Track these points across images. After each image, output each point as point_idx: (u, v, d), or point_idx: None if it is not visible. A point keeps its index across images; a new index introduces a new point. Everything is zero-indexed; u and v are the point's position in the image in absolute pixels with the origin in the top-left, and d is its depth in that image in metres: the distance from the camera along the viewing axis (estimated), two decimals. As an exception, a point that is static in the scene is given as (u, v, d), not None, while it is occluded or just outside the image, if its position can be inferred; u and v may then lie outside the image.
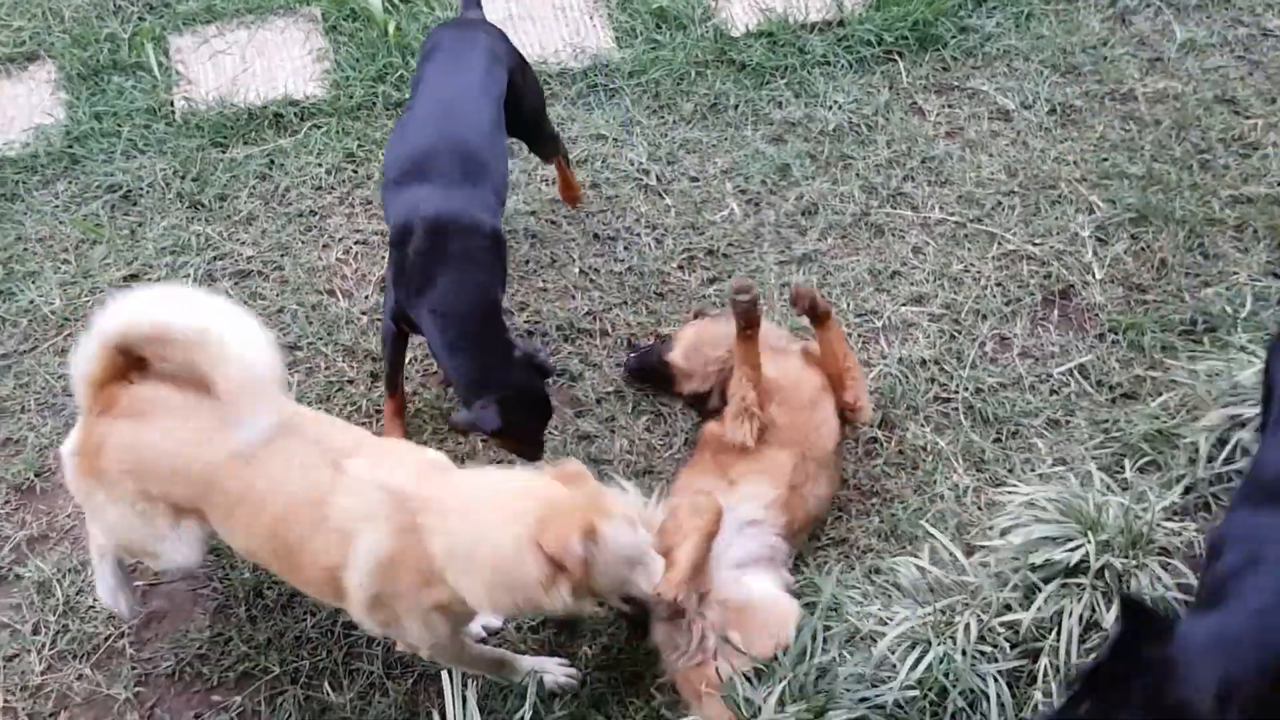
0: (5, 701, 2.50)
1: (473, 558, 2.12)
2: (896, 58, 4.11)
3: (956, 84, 4.01)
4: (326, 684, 2.52)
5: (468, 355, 2.69)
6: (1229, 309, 3.24)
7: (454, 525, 2.14)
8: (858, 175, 3.78)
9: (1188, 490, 2.75)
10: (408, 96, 3.98)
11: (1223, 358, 3.04)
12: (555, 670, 2.54)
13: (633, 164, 3.90)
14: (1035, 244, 3.51)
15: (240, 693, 2.52)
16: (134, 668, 2.57)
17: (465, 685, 2.19)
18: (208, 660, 2.57)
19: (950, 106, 3.96)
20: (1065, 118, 3.87)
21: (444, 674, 2.22)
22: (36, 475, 2.96)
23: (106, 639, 2.63)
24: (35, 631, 2.64)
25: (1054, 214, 3.59)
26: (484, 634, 2.63)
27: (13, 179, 3.75)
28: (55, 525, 2.87)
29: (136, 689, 2.53)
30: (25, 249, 3.55)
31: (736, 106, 4.04)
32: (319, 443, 2.29)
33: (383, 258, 3.57)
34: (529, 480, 2.24)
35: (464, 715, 2.22)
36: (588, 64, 4.22)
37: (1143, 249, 3.46)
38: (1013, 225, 3.57)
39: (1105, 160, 3.72)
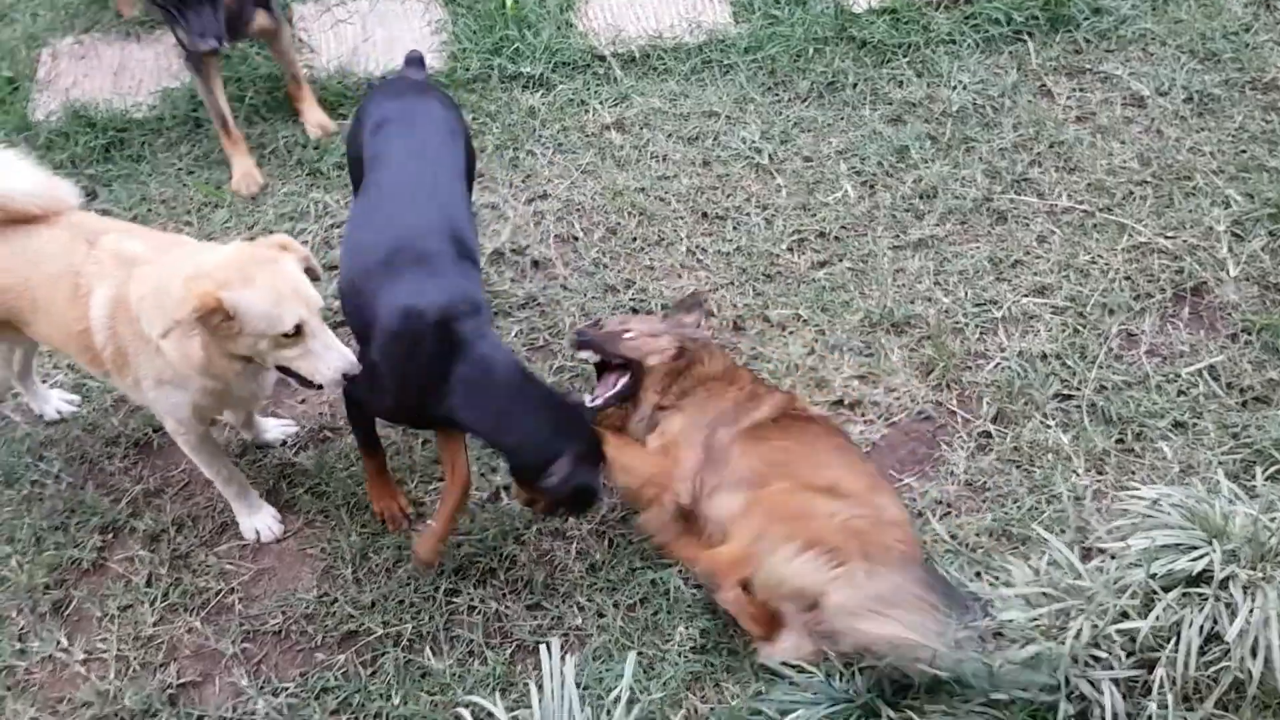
0: (118, 650, 2.58)
1: (151, 299, 2.39)
2: (1026, 38, 3.96)
3: (1089, 67, 3.85)
4: (427, 648, 2.54)
5: (529, 417, 2.50)
6: (1379, 313, 3.04)
7: (150, 275, 2.43)
8: (980, 159, 3.66)
9: (1325, 503, 2.60)
10: (524, 70, 4.02)
11: (1370, 365, 2.87)
12: (269, 520, 2.82)
13: (745, 142, 3.84)
14: (1167, 237, 3.35)
15: (343, 652, 2.56)
16: (242, 624, 2.63)
17: (564, 659, 2.18)
18: (313, 619, 2.62)
19: (1081, 90, 3.81)
20: (1202, 106, 3.68)
21: (542, 648, 2.22)
22: (155, 431, 3.05)
23: (217, 594, 2.70)
24: (148, 584, 2.72)
25: (1188, 206, 3.42)
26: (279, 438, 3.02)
27: (139, 140, 3.87)
28: (170, 480, 2.95)
29: (244, 644, 2.59)
30: (149, 209, 3.65)
31: (855, 85, 3.95)
32: (83, 227, 2.60)
33: (494, 229, 3.59)
34: (236, 246, 2.45)
35: (561, 689, 2.21)
36: (703, 39, 4.17)
37: (1282, 247, 3.28)
38: (1144, 216, 3.42)
39: (1244, 152, 3.53)
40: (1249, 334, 3.09)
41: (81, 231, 2.58)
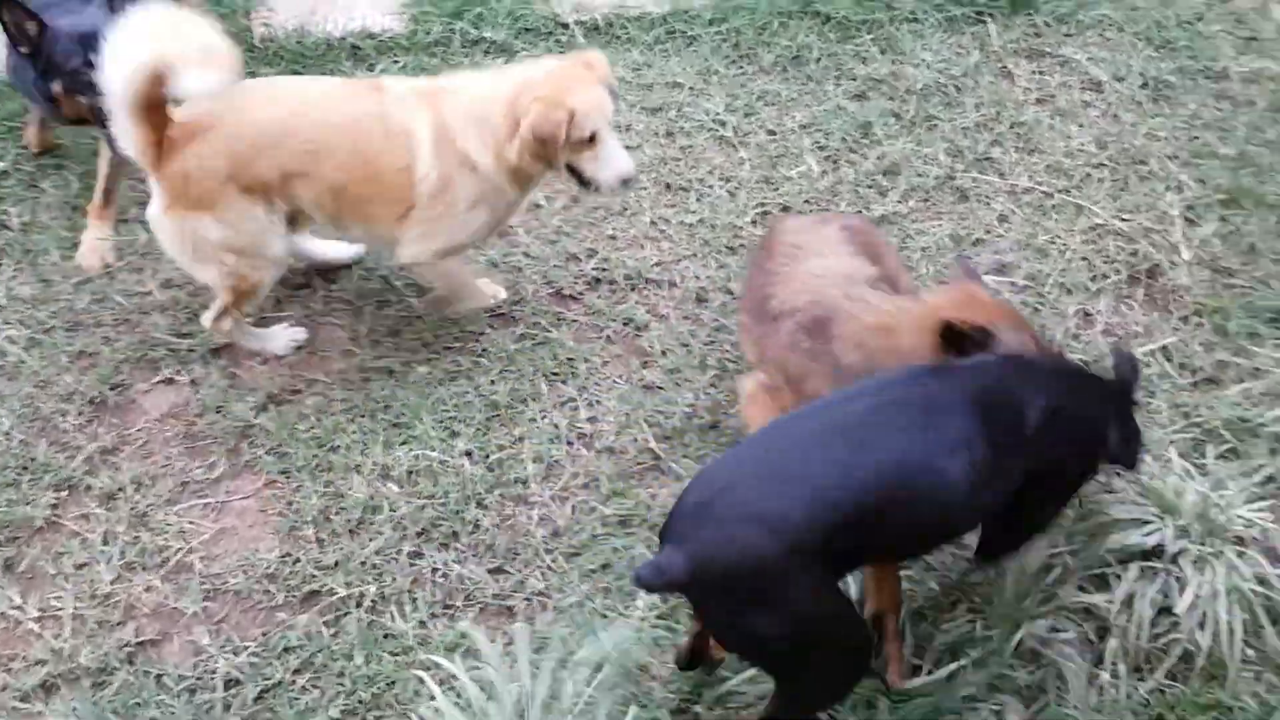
0: (74, 609, 2.54)
1: (471, 118, 2.75)
2: (988, 19, 4.02)
3: (1048, 50, 3.91)
4: (391, 609, 2.53)
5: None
6: (1320, 297, 3.15)
7: (463, 102, 2.78)
8: (943, 137, 3.70)
9: (1268, 480, 2.69)
10: (485, 35, 3.98)
11: (1311, 347, 2.97)
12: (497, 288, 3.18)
13: (708, 114, 3.84)
14: (1123, 220, 3.43)
15: (305, 612, 2.54)
16: (203, 582, 2.59)
17: (528, 623, 2.19)
18: (275, 579, 2.59)
19: (1041, 73, 3.87)
20: (1158, 92, 3.77)
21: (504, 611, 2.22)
22: (111, 389, 2.99)
23: (177, 552, 2.65)
24: (105, 542, 2.66)
25: (1143, 190, 3.50)
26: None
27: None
28: (127, 438, 2.90)
29: (204, 603, 2.56)
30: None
31: (819, 60, 3.97)
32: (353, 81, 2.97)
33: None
34: (552, 63, 2.85)
35: (522, 653, 2.22)
36: (667, 9, 4.17)
37: (1232, 232, 3.37)
38: (1101, 199, 3.49)
39: (1197, 139, 3.62)
40: (1200, 316, 3.18)
41: (347, 86, 2.99)
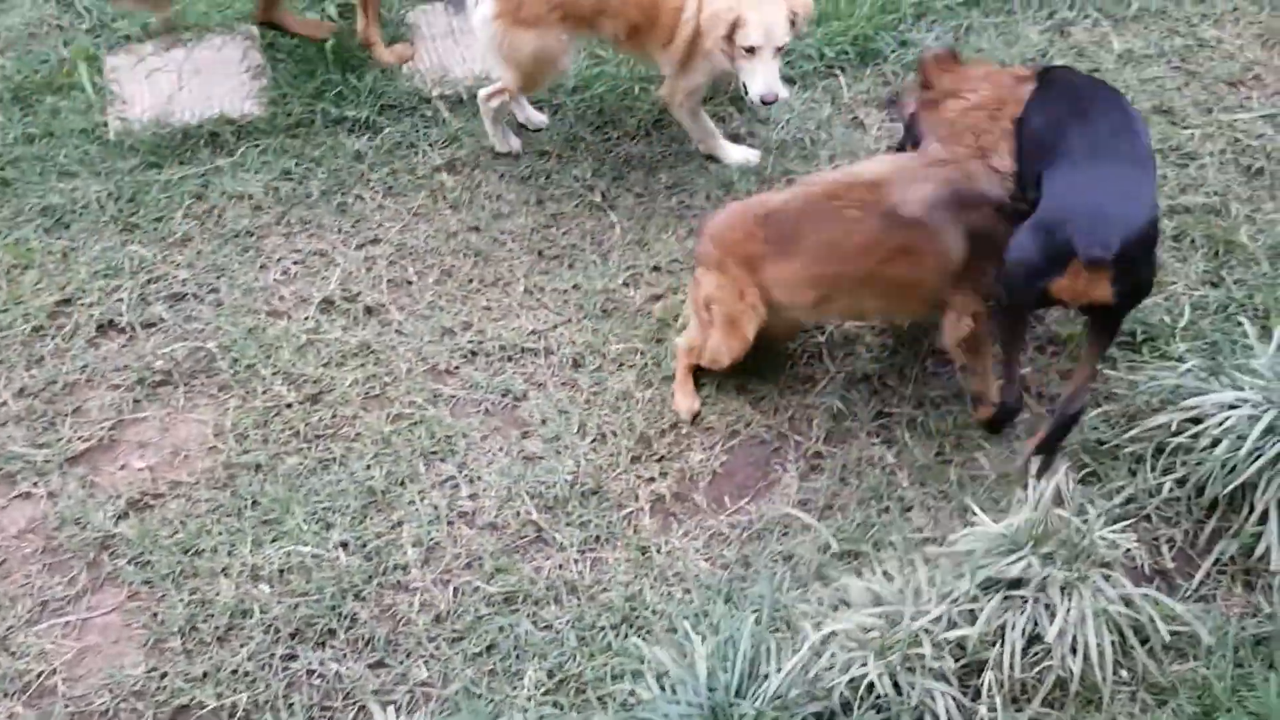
0: (-68, 743, 2.42)
1: (710, 16, 3.42)
2: (838, 72, 4.13)
3: (893, 101, 4.03)
4: (266, 717, 2.46)
5: None
6: (1167, 319, 3.27)
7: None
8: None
9: (1128, 501, 2.78)
10: (349, 114, 3.98)
11: (1162, 367, 3.08)
12: (748, 153, 3.87)
13: (577, 180, 3.88)
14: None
15: (176, 729, 2.46)
16: (67, 705, 2.49)
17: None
18: (143, 696, 2.50)
19: (891, 120, 3.98)
20: (1005, 131, 3.89)
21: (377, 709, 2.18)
22: (-36, 509, 2.88)
23: (39, 676, 2.55)
24: (-37, 670, 2.55)
25: (995, 227, 3.61)
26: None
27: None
28: (-13, 562, 2.79)
29: (69, 728, 2.46)
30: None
31: (678, 123, 4.03)
32: None
33: (323, 277, 3.53)
34: None
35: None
36: (531, 80, 4.20)
37: (1082, 260, 3.49)
38: (953, 240, 3.59)
39: (1043, 173, 3.75)
40: (1055, 345, 3.29)
41: None
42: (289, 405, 3.19)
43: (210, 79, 4.09)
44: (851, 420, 3.16)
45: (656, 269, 3.61)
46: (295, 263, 3.58)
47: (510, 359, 3.33)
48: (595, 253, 3.66)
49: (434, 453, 3.07)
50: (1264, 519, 2.63)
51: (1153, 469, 2.83)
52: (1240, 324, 3.18)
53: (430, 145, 3.95)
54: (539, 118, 4.03)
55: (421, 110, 4.07)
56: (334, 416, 3.16)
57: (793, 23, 3.43)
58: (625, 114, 4.05)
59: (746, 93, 3.49)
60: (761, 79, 3.41)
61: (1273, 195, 3.59)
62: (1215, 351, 3.09)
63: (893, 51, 4.14)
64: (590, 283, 3.56)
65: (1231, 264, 3.42)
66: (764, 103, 3.47)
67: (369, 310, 3.47)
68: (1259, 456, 2.60)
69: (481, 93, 3.78)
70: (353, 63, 4.12)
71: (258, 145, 3.90)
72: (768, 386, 3.25)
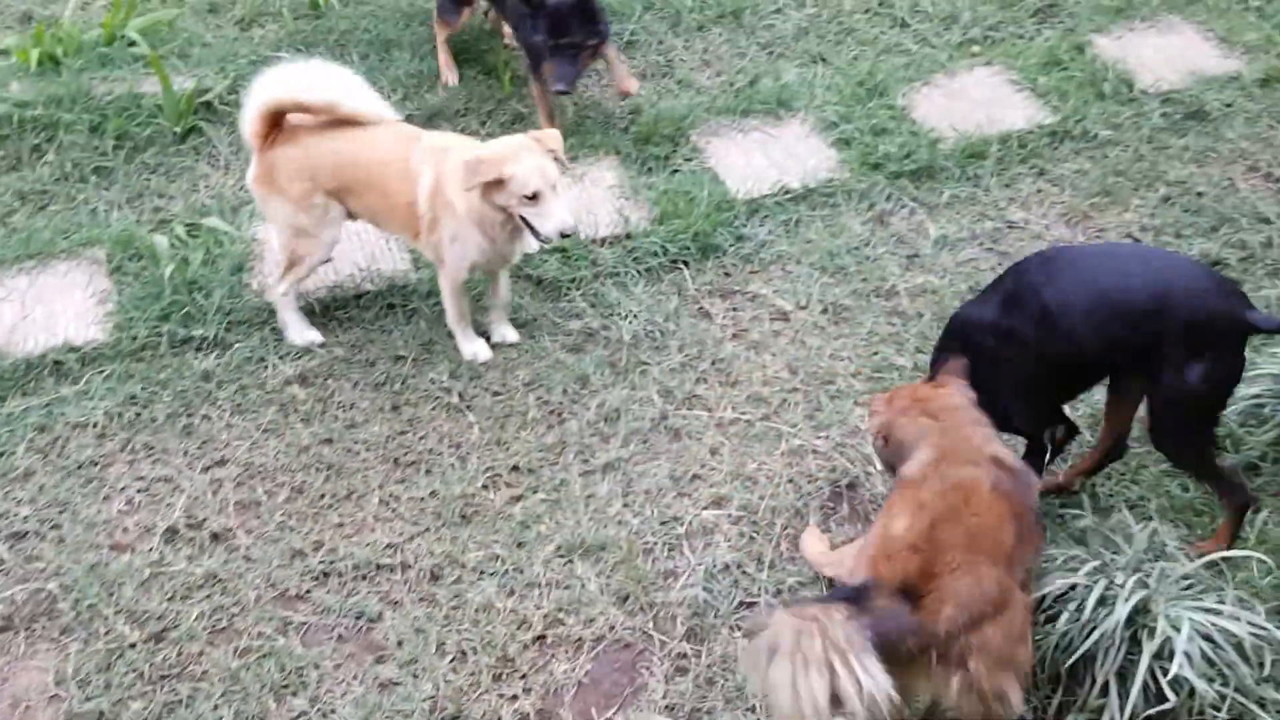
0: None
1: (453, 175, 3.59)
2: (682, 266, 4.33)
3: (738, 288, 4.24)
4: None
5: None
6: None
7: (457, 159, 3.58)
8: (654, 380, 3.91)
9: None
10: (195, 333, 3.98)
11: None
12: (483, 347, 4.02)
13: (434, 383, 3.92)
14: (819, 438, 3.68)
15: None
16: None
17: None
18: None
19: (735, 310, 4.18)
20: (837, 315, 4.13)
21: None
22: None
23: None
24: None
25: (834, 408, 3.78)
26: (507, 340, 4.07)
27: None
28: None
29: None
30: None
31: (535, 319, 4.15)
32: (406, 129, 3.87)
33: (167, 504, 3.44)
34: (510, 138, 3.69)
35: None
36: (384, 286, 4.28)
37: (918, 437, 3.66)
38: (798, 421, 3.75)
39: (875, 354, 3.97)
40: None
41: (405, 132, 3.83)
42: (132, 645, 3.06)
43: (54, 306, 4.05)
44: (714, 615, 3.19)
45: (516, 469, 3.64)
46: (140, 491, 3.49)
47: (364, 577, 3.27)
48: (453, 456, 3.67)
49: (285, 687, 2.97)
50: (1105, 691, 2.73)
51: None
52: (1075, 492, 3.38)
53: (281, 358, 3.96)
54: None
55: (271, 323, 4.08)
56: (179, 654, 3.03)
57: (556, 158, 3.63)
58: (479, 313, 4.15)
59: (539, 237, 3.62)
60: (554, 217, 3.55)
61: (1084, 364, 3.86)
62: (1050, 522, 3.25)
63: (730, 245, 4.38)
64: (448, 488, 3.56)
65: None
66: (563, 236, 3.60)
67: (215, 536, 3.39)
68: (1094, 629, 2.72)
69: (270, 283, 3.97)
70: (200, 282, 4.14)
71: (103, 371, 3.84)
72: (631, 583, 3.27)
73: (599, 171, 4.69)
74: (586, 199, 4.55)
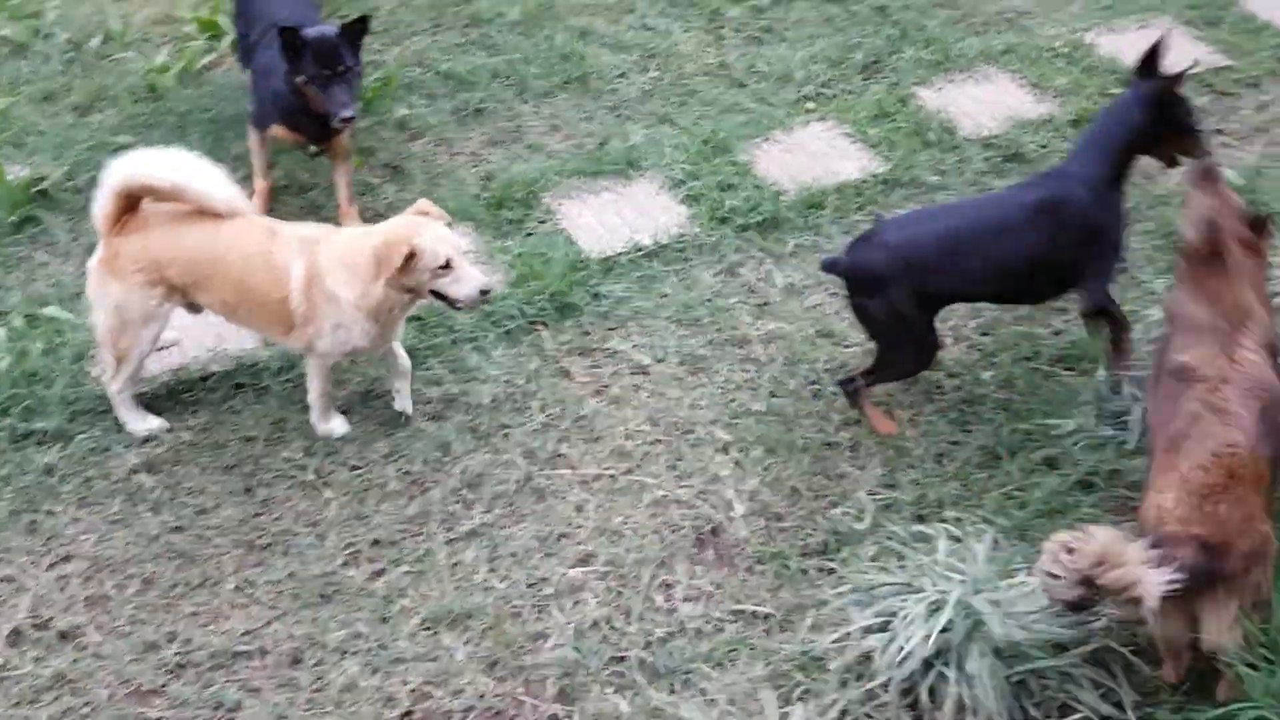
0: None
1: (343, 264, 3.55)
2: (540, 327, 4.37)
3: (597, 346, 4.30)
4: None
5: None
6: (855, 525, 3.54)
7: (334, 249, 3.60)
8: (517, 443, 3.91)
9: (843, 714, 2.91)
10: (36, 426, 3.82)
11: (853, 570, 3.32)
12: (341, 422, 3.94)
13: (288, 462, 3.84)
14: (682, 487, 3.74)
15: None
16: None
17: None
18: None
19: (595, 367, 4.22)
20: (694, 366, 4.21)
21: None
22: None
23: None
24: None
25: (695, 456, 3.84)
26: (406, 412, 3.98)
27: None
28: None
29: None
30: None
31: (389, 392, 4.11)
32: (262, 221, 3.80)
33: (11, 605, 3.26)
34: (398, 219, 3.67)
35: None
36: (232, 365, 4.20)
37: (775, 479, 3.76)
38: (661, 472, 3.79)
39: (732, 401, 4.06)
40: (761, 563, 3.48)
41: (262, 225, 3.74)
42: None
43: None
44: (585, 674, 3.17)
45: (377, 543, 3.58)
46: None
47: (221, 667, 3.16)
48: (311, 534, 3.60)
49: (141, 787, 2.83)
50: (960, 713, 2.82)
51: (858, 677, 3.00)
52: (921, 519, 3.51)
53: (126, 447, 3.83)
54: (149, 424, 3.92)
55: (113, 413, 3.95)
56: (22, 768, 2.86)
57: (451, 227, 3.68)
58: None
59: (457, 306, 3.63)
60: (472, 279, 3.54)
61: (928, 400, 4.03)
62: (897, 552, 3.36)
63: (587, 304, 4.43)
64: (306, 568, 3.48)
65: (904, 466, 3.78)
66: (483, 294, 3.57)
67: (63, 635, 3.24)
68: (942, 652, 2.81)
69: (95, 371, 3.94)
70: (40, 374, 3.99)
71: (-66, 471, 3.65)
72: (499, 648, 3.23)
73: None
74: (440, 266, 4.56)
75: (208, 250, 3.65)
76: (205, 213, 3.66)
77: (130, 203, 3.65)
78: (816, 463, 3.82)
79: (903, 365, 3.87)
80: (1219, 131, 5.14)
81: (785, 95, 5.55)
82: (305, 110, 4.47)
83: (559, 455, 3.87)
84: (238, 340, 4.27)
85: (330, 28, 4.45)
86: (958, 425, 3.93)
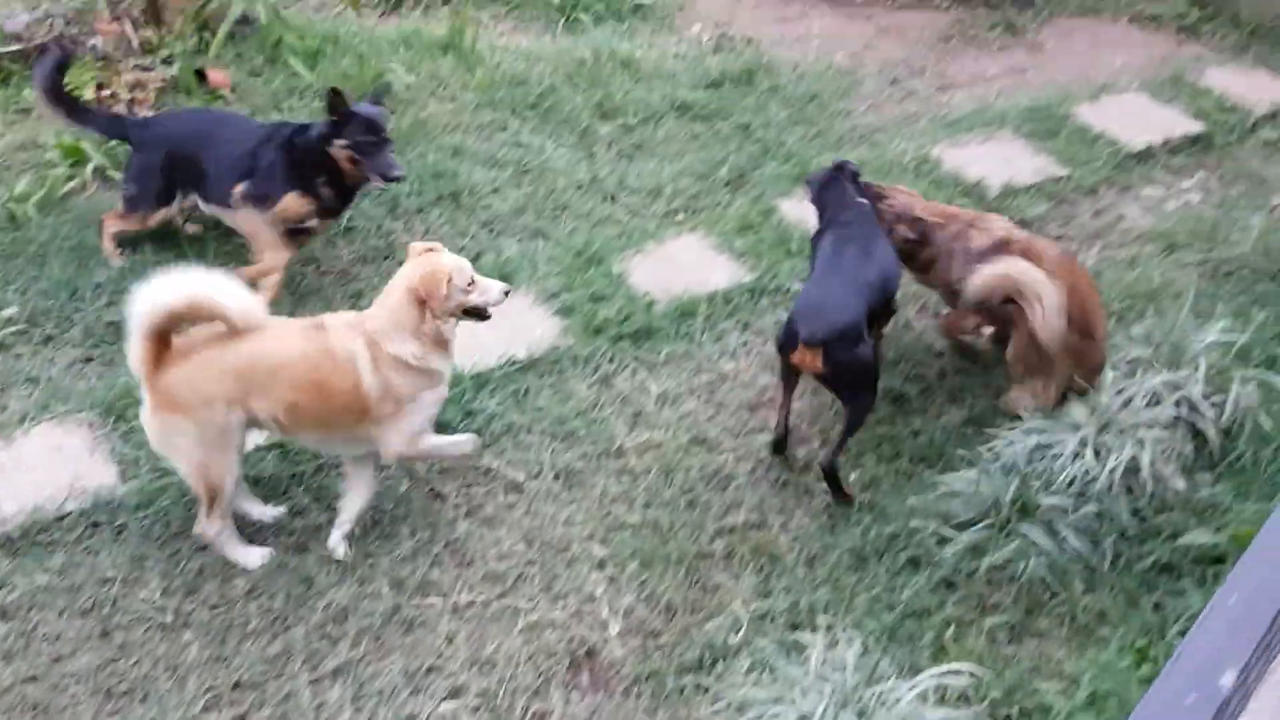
0: None
1: (387, 323, 3.67)
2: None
3: (469, 464, 4.25)
4: None
5: None
6: (730, 639, 3.54)
7: (374, 317, 3.70)
8: (384, 572, 3.82)
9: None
10: None
11: (728, 684, 3.30)
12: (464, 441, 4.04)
13: (146, 603, 3.69)
14: (557, 609, 3.69)
15: None
16: None
17: None
18: None
19: (467, 486, 4.18)
20: (569, 480, 4.20)
21: None
22: None
23: None
24: None
25: (569, 575, 3.81)
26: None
27: None
28: None
29: None
30: None
31: (254, 523, 3.99)
32: (297, 321, 3.77)
33: None
34: (411, 262, 3.78)
35: None
36: (89, 504, 4.03)
37: (650, 594, 3.74)
38: (535, 595, 3.75)
39: (608, 515, 4.05)
40: (638, 684, 3.44)
41: (300, 323, 3.74)
42: None
43: None
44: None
45: (239, 685, 3.45)
46: None
47: (66, 832, 2.96)
48: (170, 679, 3.45)
49: None
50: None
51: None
52: (794, 626, 3.53)
53: (-29, 597, 3.63)
54: (260, 554, 3.88)
55: (-37, 561, 3.75)
56: None
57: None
58: (193, 523, 3.96)
59: (486, 317, 3.85)
60: (493, 285, 3.80)
61: (799, 504, 4.09)
62: (770, 664, 3.36)
63: (459, 422, 4.41)
64: (165, 715, 3.34)
65: (776, 573, 3.80)
66: (505, 294, 3.83)
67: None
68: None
69: (195, 527, 3.82)
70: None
71: None
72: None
73: (320, 362, 4.65)
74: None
75: (262, 358, 3.59)
76: (236, 327, 3.58)
77: (164, 338, 3.53)
78: (691, 575, 3.82)
79: (871, 402, 4.15)
80: (1059, 237, 5.43)
81: (656, 208, 5.69)
82: (331, 178, 4.74)
83: (429, 582, 3.80)
84: (95, 476, 4.11)
85: (369, 104, 4.81)
86: (827, 528, 3.99)
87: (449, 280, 3.63)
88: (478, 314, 3.81)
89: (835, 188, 4.57)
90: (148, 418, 3.61)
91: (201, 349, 3.58)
